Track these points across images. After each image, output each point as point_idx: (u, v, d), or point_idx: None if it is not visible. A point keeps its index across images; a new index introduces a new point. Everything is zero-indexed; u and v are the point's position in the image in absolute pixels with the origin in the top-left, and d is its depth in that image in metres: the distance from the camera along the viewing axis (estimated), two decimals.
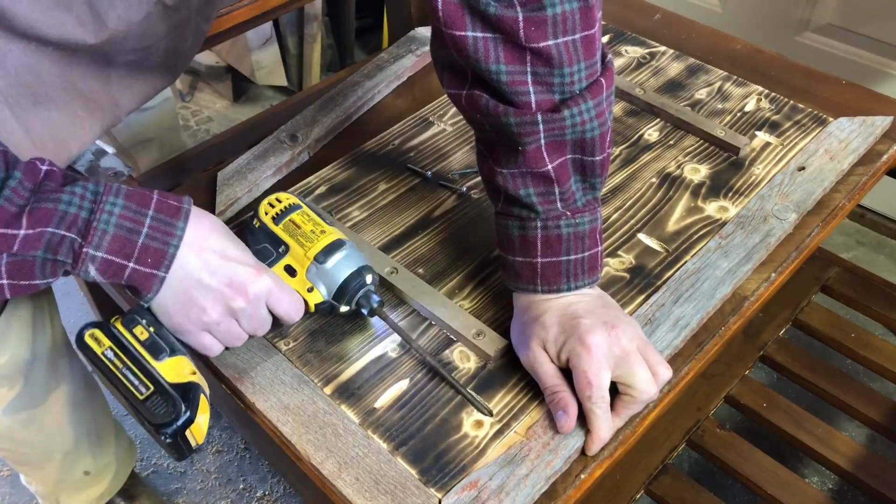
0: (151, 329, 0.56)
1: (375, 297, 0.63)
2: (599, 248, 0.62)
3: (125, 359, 0.55)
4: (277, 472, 1.11)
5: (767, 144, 0.85)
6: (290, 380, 0.63)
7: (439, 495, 0.56)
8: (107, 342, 0.55)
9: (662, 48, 1.00)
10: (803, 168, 0.81)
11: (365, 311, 0.64)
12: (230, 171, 0.83)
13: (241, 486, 1.12)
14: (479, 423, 0.60)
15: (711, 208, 0.78)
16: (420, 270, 0.72)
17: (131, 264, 0.52)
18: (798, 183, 0.80)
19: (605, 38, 1.02)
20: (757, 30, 1.46)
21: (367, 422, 0.60)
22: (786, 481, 0.89)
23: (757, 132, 0.87)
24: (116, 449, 1.00)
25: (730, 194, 0.79)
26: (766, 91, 0.92)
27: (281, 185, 0.83)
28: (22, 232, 0.48)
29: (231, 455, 1.16)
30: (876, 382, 1.21)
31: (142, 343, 0.55)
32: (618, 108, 0.91)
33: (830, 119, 0.88)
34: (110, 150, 0.80)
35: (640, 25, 1.05)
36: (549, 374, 0.60)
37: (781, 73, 0.97)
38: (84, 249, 0.50)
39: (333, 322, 0.68)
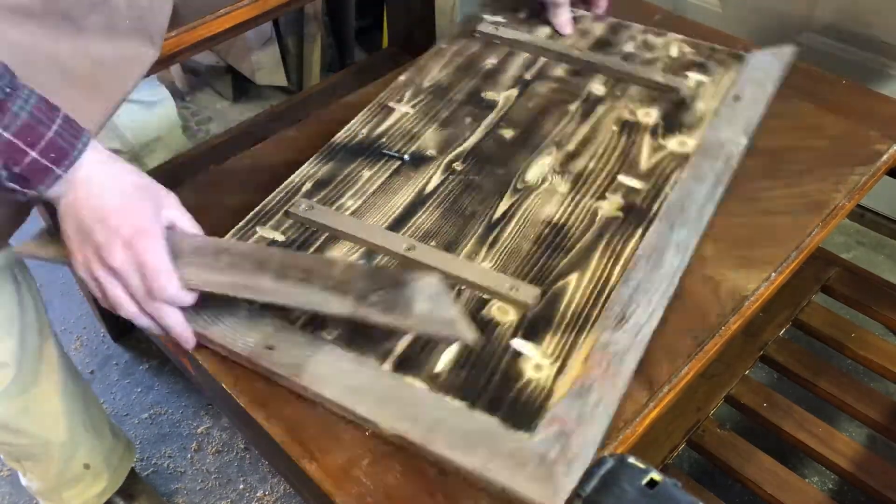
0: None
1: None
2: None
3: None
4: (277, 472, 1.09)
5: (701, 83, 0.94)
6: (348, 364, 0.64)
7: (528, 435, 0.59)
8: None
9: (581, 12, 1.06)
10: (738, 98, 0.91)
11: None
12: None
13: (241, 486, 1.11)
14: (538, 367, 0.64)
15: (672, 144, 0.85)
16: (432, 244, 0.75)
17: (34, 153, 0.53)
18: (739, 110, 0.89)
19: None
20: (757, 30, 1.45)
21: (436, 385, 0.62)
22: (786, 481, 0.90)
23: (688, 73, 0.95)
24: (114, 443, 1.00)
25: (684, 130, 0.87)
26: (683, 37, 1.01)
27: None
28: None
29: (231, 455, 1.15)
30: (876, 382, 1.20)
31: None
32: (560, 69, 0.97)
33: (743, 54, 0.97)
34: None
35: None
36: None
37: None
38: None
39: None
